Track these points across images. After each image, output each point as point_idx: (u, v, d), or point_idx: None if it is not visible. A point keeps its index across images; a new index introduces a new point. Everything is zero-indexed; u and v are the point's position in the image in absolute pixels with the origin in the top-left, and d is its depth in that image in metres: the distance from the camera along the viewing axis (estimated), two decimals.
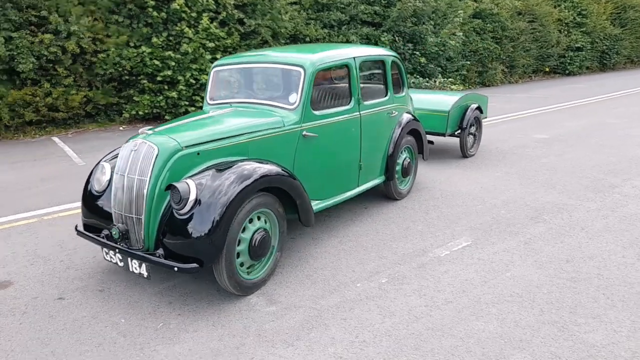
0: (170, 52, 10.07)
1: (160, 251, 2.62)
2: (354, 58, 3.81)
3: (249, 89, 3.79)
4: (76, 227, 3.06)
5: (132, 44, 9.86)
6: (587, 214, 4.20)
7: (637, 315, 2.68)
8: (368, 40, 13.77)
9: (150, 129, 2.83)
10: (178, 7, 10.05)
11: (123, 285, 3.11)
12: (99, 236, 2.77)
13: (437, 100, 6.20)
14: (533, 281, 3.06)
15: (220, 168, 2.71)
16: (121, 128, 9.99)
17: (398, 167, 4.54)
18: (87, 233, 2.90)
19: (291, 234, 3.82)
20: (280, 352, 2.39)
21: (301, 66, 3.36)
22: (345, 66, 3.70)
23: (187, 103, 10.56)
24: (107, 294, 3.01)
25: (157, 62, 9.99)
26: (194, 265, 2.52)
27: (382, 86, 4.23)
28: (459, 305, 2.80)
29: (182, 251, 2.57)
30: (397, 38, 14.09)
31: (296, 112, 3.33)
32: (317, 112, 3.47)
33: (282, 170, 2.97)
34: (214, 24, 10.57)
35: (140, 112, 10.27)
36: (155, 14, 9.83)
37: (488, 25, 17.22)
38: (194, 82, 10.45)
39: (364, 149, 3.95)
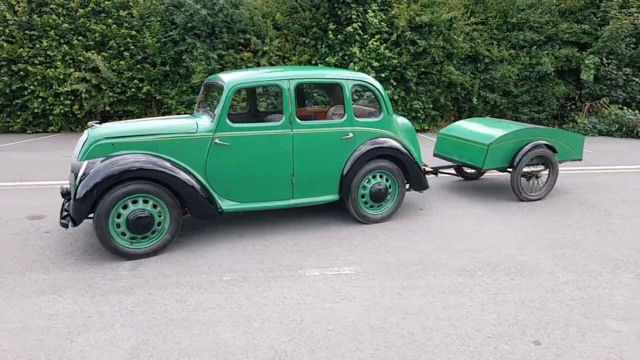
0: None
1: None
2: (288, 80, 4.35)
3: (207, 100, 4.81)
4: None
5: (313, 62, 11.59)
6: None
7: None
8: (569, 62, 12.31)
9: (97, 122, 4.15)
10: (352, 30, 11.30)
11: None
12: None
13: (487, 132, 5.76)
14: None
15: (112, 156, 3.83)
16: None
17: (365, 192, 4.75)
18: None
19: (227, 229, 4.66)
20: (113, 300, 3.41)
21: (225, 83, 4.19)
22: (277, 87, 4.31)
23: None
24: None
25: None
26: (65, 222, 3.73)
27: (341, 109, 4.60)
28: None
29: (70, 209, 3.78)
30: (607, 61, 12.14)
31: (213, 122, 4.11)
32: (233, 124, 4.20)
33: (163, 166, 3.82)
34: (384, 45, 11.42)
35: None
36: (331, 36, 11.32)
37: None
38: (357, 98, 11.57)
39: (299, 165, 4.37)
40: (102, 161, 3.73)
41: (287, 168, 4.34)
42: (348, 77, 4.58)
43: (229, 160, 4.15)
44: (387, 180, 4.83)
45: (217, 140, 4.09)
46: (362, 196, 4.74)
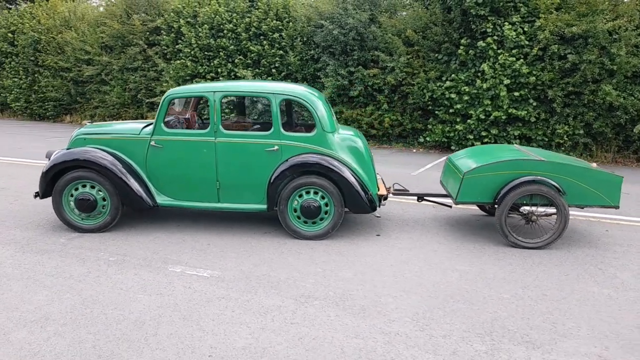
0: (465, 87, 10.80)
1: None
2: (213, 92, 4.74)
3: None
4: None
5: (443, 79, 11.23)
6: None
7: None
8: None
9: (89, 121, 5.32)
10: (485, 45, 10.57)
11: None
12: None
13: (479, 160, 4.88)
14: None
15: (71, 148, 4.93)
16: (414, 151, 11.71)
17: (297, 205, 4.80)
18: None
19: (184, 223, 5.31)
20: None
21: (164, 93, 4.88)
22: (204, 98, 4.76)
23: (473, 137, 10.97)
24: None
25: (453, 95, 10.99)
26: (35, 193, 4.95)
27: (270, 121, 4.75)
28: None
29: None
30: None
31: (152, 126, 4.89)
32: (167, 129, 4.83)
33: (100, 160, 4.74)
34: (520, 60, 10.32)
35: (429, 140, 11.61)
36: (461, 51, 10.79)
37: None
38: (484, 117, 10.73)
39: (223, 172, 4.76)
40: (65, 150, 4.88)
41: (211, 173, 4.80)
42: (276, 90, 4.75)
43: (162, 160, 4.87)
44: (323, 197, 4.77)
45: (152, 142, 4.84)
46: (295, 210, 4.80)
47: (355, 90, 12.01)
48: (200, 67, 13.58)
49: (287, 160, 4.73)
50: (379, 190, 5.05)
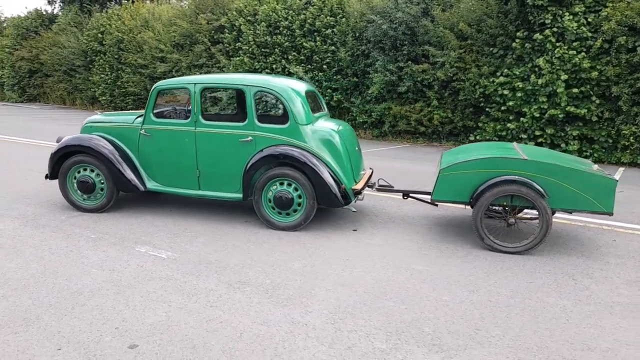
0: (519, 83, 10.20)
1: None
2: (194, 84, 4.93)
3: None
4: None
5: (497, 74, 10.67)
6: None
7: None
8: None
9: (100, 111, 5.80)
10: (542, 37, 9.92)
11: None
12: None
13: (460, 156, 4.60)
14: None
15: (85, 134, 5.42)
16: None
17: (271, 196, 4.90)
18: None
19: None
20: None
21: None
22: (185, 89, 4.99)
23: (527, 136, 10.33)
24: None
25: (506, 92, 10.43)
26: (45, 176, 5.50)
27: (245, 112, 4.88)
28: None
29: None
30: None
31: (143, 116, 5.24)
32: (155, 119, 5.10)
33: (98, 147, 5.15)
34: (582, 54, 9.55)
35: (480, 138, 11.10)
36: (516, 44, 10.20)
37: None
38: (538, 115, 10.06)
39: (202, 160, 4.98)
40: (72, 136, 5.41)
41: (191, 161, 5.06)
42: (251, 83, 4.86)
43: (150, 148, 5.22)
44: (296, 189, 4.83)
45: (142, 131, 5.20)
46: (270, 201, 4.91)
47: (404, 86, 11.76)
48: (257, 63, 14.08)
49: (260, 151, 4.84)
50: (357, 184, 4.98)
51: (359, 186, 4.93)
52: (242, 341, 2.97)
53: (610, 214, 4.18)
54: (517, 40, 10.25)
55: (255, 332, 3.07)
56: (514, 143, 5.28)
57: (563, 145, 10.04)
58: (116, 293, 3.57)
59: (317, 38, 13.15)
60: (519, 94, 10.25)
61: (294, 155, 4.70)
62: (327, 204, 4.81)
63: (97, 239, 4.68)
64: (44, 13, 22.55)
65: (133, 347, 2.87)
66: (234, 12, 14.60)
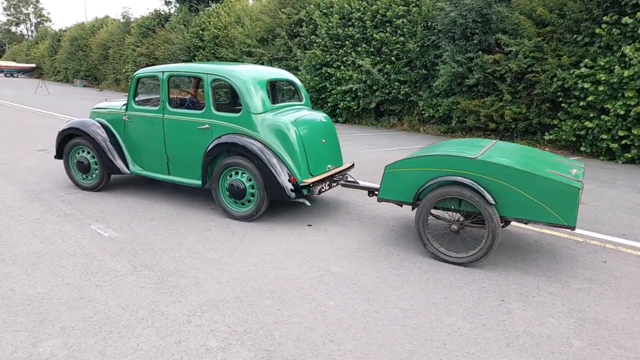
0: (602, 75, 8.91)
1: None
2: (162, 72, 4.98)
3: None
4: None
5: (580, 65, 9.45)
6: None
7: None
8: None
9: (107, 99, 6.23)
10: (633, 22, 8.58)
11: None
12: None
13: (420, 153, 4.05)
14: None
15: (89, 119, 5.86)
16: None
17: (227, 185, 4.88)
18: None
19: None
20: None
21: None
22: (156, 78, 5.12)
23: (609, 137, 8.99)
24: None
25: (587, 85, 9.19)
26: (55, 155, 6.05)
27: (206, 101, 4.83)
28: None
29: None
30: None
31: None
32: (135, 106, 5.25)
33: (91, 131, 5.54)
34: None
35: (555, 138, 9.92)
36: (600, 30, 8.95)
37: None
38: (623, 113, 8.71)
39: (169, 146, 5.11)
40: (75, 120, 5.92)
41: (161, 147, 5.23)
42: (209, 71, 4.86)
43: (130, 133, 5.51)
44: (249, 180, 4.77)
45: (124, 117, 5.51)
46: (226, 189, 4.92)
47: (473, 78, 10.87)
48: (328, 56, 14.05)
49: (216, 139, 4.83)
50: (312, 178, 4.73)
51: (311, 180, 4.67)
52: (87, 321, 2.98)
53: (572, 227, 3.41)
54: (604, 26, 8.88)
55: (108, 314, 3.07)
56: (495, 141, 4.58)
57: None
58: (32, 265, 3.82)
59: (388, 29, 12.72)
60: (601, 88, 8.88)
61: (242, 144, 4.60)
62: (275, 196, 4.63)
63: (69, 214, 5.06)
64: (162, 13, 24.92)
65: None
66: (312, 5, 14.72)
